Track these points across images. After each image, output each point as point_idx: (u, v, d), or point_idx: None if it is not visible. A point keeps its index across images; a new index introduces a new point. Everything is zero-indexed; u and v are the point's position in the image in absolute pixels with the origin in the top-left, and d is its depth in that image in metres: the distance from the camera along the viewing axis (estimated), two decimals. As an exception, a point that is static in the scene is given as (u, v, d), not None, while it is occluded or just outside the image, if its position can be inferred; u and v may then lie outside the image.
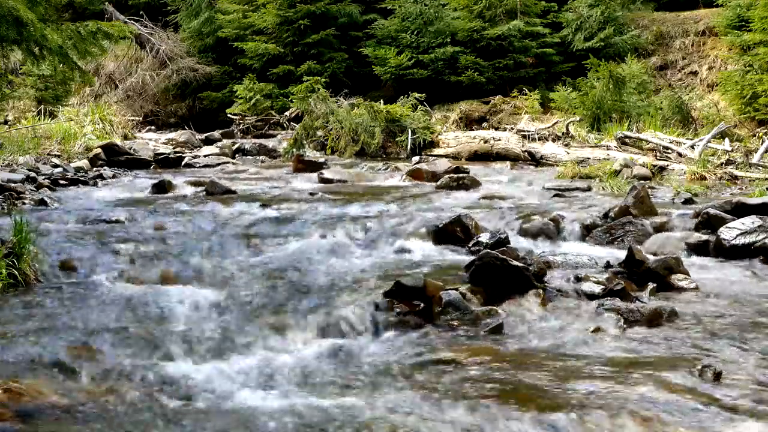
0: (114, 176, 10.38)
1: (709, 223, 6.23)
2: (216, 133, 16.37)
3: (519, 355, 3.80)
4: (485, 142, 12.62)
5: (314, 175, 10.21)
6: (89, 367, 3.58)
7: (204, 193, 8.70)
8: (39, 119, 13.55)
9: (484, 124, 15.77)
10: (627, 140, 11.75)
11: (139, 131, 16.91)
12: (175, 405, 3.22)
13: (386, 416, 3.10)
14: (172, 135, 15.52)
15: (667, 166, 10.35)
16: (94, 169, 10.75)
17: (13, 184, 8.17)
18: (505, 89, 16.58)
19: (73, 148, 11.83)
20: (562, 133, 13.06)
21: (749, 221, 5.82)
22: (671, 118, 13.35)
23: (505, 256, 4.74)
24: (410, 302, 4.36)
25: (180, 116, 20.25)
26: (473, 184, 9.17)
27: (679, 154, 10.79)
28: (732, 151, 10.45)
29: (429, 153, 12.83)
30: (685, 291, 4.87)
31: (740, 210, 6.33)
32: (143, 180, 9.84)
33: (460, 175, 9.44)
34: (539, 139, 12.98)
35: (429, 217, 6.79)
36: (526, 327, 4.20)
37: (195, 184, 9.27)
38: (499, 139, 12.63)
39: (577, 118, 13.49)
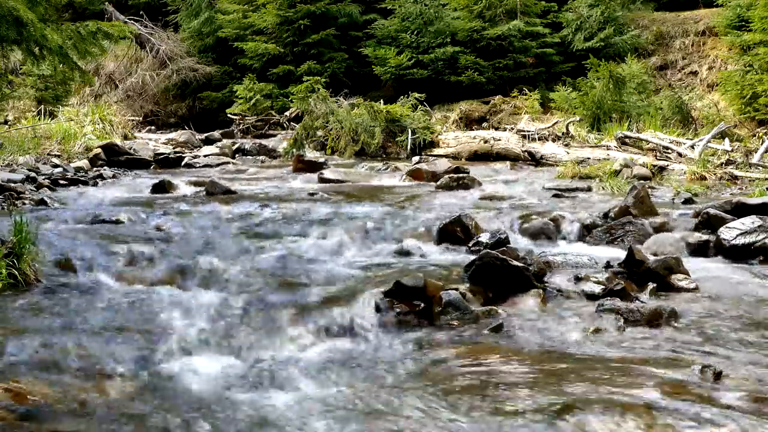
0: (114, 176, 10.38)
1: (709, 223, 6.23)
2: (216, 133, 16.38)
3: (519, 355, 3.79)
4: (485, 142, 12.62)
5: (314, 175, 10.21)
6: (89, 366, 3.59)
7: (204, 193, 8.70)
8: (39, 119, 13.56)
9: (484, 124, 15.79)
10: (627, 140, 11.75)
11: (139, 131, 16.92)
12: (175, 405, 3.22)
13: (386, 416, 3.10)
14: (172, 135, 15.53)
15: (667, 166, 10.35)
16: (94, 169, 10.75)
17: (13, 184, 8.17)
18: (505, 89, 16.59)
19: (73, 148, 11.83)
20: (562, 133, 13.06)
21: (749, 221, 5.82)
22: (671, 118, 13.36)
23: (505, 256, 4.74)
24: (410, 302, 4.36)
25: (180, 116, 20.26)
26: (473, 184, 9.17)
27: (679, 154, 10.79)
28: (732, 151, 10.45)
29: (429, 153, 12.84)
30: (685, 291, 4.87)
31: (740, 210, 6.33)
32: (143, 180, 9.84)
33: (460, 175, 9.44)
34: (539, 139, 12.98)
35: (429, 217, 6.79)
36: (526, 327, 4.20)
37: (195, 184, 9.27)
38: (499, 139, 12.63)
39: (577, 118, 13.50)
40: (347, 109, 13.57)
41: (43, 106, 14.95)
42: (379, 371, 3.63)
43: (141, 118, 18.91)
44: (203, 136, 16.01)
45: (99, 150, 11.60)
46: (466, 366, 3.65)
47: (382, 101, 14.42)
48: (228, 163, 12.35)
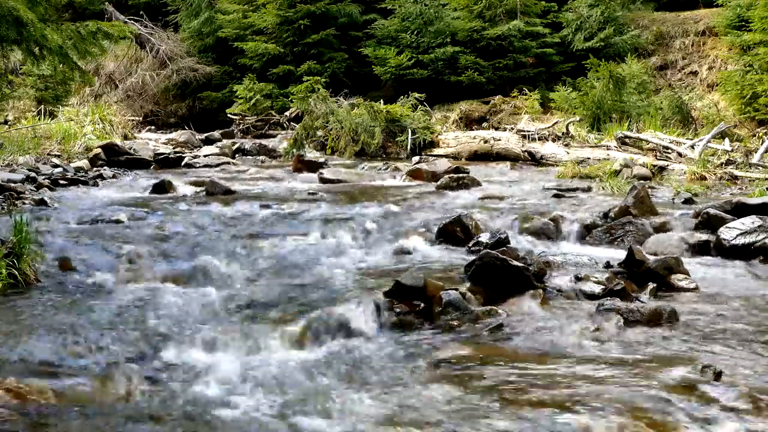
0: (114, 176, 10.38)
1: (709, 223, 6.23)
2: (216, 133, 16.38)
3: (519, 355, 3.80)
4: (485, 142, 12.63)
5: (314, 175, 10.21)
6: (89, 366, 3.59)
7: (204, 193, 8.70)
8: (39, 119, 13.55)
9: (484, 124, 15.79)
10: (627, 140, 11.75)
11: (139, 131, 16.91)
12: (176, 405, 3.22)
13: (386, 416, 3.10)
14: (172, 135, 15.53)
15: (667, 166, 10.35)
16: (94, 169, 10.75)
17: (13, 184, 8.17)
18: (505, 89, 16.59)
19: (73, 148, 11.83)
20: (562, 133, 13.06)
21: (749, 221, 5.82)
22: (671, 118, 13.36)
23: (505, 256, 4.74)
24: (410, 302, 4.36)
25: (180, 116, 20.26)
26: (473, 184, 9.17)
27: (679, 154, 10.79)
28: (732, 151, 10.45)
29: (429, 153, 12.84)
30: (685, 291, 4.88)
31: (740, 210, 6.33)
32: (143, 180, 9.84)
33: (460, 175, 9.44)
34: (539, 139, 12.98)
35: (429, 217, 6.79)
36: (526, 327, 4.20)
37: (195, 184, 9.28)
38: (499, 139, 12.63)
39: (577, 118, 13.50)
40: (347, 109, 13.57)
41: (43, 106, 14.95)
42: (379, 371, 3.63)
43: (141, 118, 18.90)
44: (203, 136, 16.02)
45: (99, 150, 11.60)
46: (466, 366, 3.65)
47: (382, 101, 14.42)
48: (228, 163, 12.35)
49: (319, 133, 13.42)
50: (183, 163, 12.06)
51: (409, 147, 12.92)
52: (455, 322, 4.24)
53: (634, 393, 3.23)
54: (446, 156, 12.33)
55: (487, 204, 7.87)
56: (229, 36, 19.54)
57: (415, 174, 10.12)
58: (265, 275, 5.16)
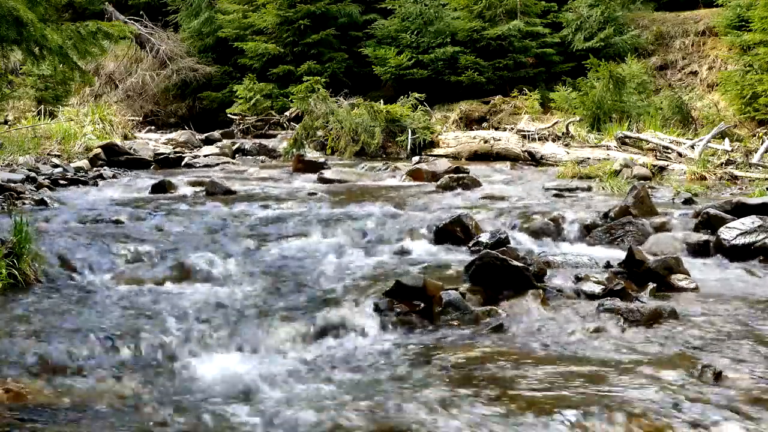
0: (114, 176, 10.38)
1: (709, 223, 6.23)
2: (216, 133, 16.38)
3: (519, 355, 3.80)
4: (485, 142, 12.62)
5: (314, 175, 10.21)
6: (89, 366, 3.59)
7: (204, 193, 8.70)
8: (39, 119, 13.55)
9: (484, 124, 15.78)
10: (627, 140, 11.75)
11: (139, 131, 16.91)
12: (176, 404, 3.22)
13: (386, 416, 3.10)
14: (172, 135, 15.53)
15: (667, 166, 10.35)
16: (94, 169, 10.75)
17: (13, 184, 8.17)
18: (505, 89, 16.58)
19: (73, 148, 11.83)
20: (562, 133, 13.06)
21: (749, 221, 5.82)
22: (671, 118, 13.35)
23: (505, 256, 4.74)
24: (410, 302, 4.36)
25: (180, 116, 20.26)
26: (473, 184, 9.17)
27: (679, 154, 10.79)
28: (732, 151, 10.45)
29: (429, 153, 12.84)
30: (685, 291, 4.88)
31: (740, 210, 6.33)
32: (143, 180, 9.83)
33: (460, 175, 9.44)
34: (539, 139, 12.98)
35: (429, 217, 6.79)
36: (526, 327, 4.20)
37: (195, 184, 9.27)
38: (499, 139, 12.63)
39: (577, 118, 13.50)
40: (347, 109, 13.57)
41: (43, 106, 14.94)
42: (379, 371, 3.63)
43: (141, 118, 18.90)
44: (203, 136, 16.01)
45: (99, 150, 11.60)
46: (466, 365, 3.65)
47: (382, 101, 14.42)
48: (228, 163, 12.35)
49: (319, 133, 13.42)
50: (183, 163, 12.06)
51: (409, 147, 12.92)
52: (455, 322, 4.25)
53: (633, 392, 3.23)
54: (446, 156, 12.33)
55: (487, 204, 7.87)
56: (229, 36, 19.54)
57: (415, 174, 10.12)
58: (264, 275, 5.16)
